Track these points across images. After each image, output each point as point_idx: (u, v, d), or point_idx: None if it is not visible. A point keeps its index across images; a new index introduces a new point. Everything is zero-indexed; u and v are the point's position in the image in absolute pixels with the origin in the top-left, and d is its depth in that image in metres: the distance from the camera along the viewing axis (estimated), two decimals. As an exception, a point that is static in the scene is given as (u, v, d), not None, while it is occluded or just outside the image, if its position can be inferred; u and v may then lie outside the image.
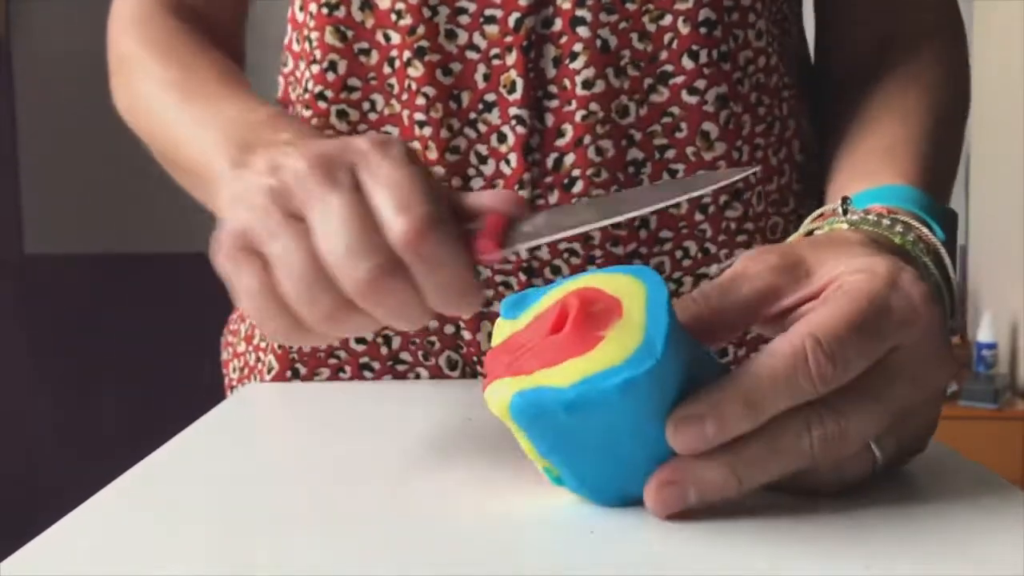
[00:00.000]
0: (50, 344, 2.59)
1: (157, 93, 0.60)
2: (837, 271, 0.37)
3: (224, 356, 0.70)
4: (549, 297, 0.37)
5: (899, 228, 0.43)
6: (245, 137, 0.48)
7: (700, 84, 0.57)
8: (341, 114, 0.59)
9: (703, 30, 0.57)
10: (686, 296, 0.37)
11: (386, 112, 0.58)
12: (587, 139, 0.56)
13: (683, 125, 0.57)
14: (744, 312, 0.37)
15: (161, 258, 2.55)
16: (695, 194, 0.41)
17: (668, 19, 0.56)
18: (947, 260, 0.43)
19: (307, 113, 0.61)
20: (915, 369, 0.36)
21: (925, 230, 0.44)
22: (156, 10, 0.65)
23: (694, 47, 0.57)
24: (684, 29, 0.56)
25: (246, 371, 0.67)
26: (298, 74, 0.63)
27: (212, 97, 0.56)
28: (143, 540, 0.34)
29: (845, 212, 0.45)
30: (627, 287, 0.35)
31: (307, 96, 0.60)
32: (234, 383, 0.68)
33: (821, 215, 0.47)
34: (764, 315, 0.37)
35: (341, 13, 0.58)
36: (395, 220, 0.38)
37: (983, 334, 2.48)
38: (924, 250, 0.43)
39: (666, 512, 0.34)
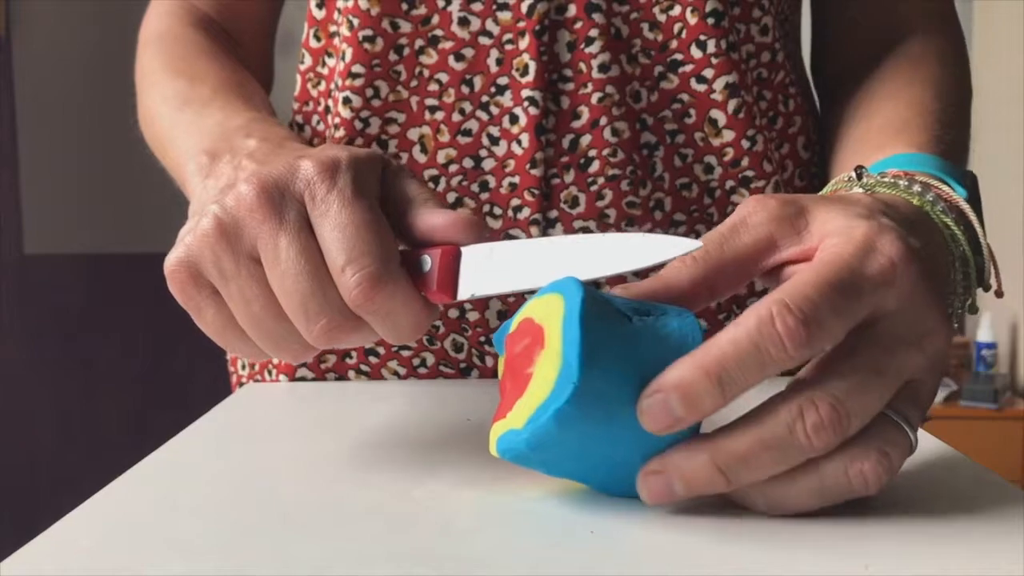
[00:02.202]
0: (50, 344, 2.59)
1: (160, 103, 0.60)
2: (828, 228, 0.36)
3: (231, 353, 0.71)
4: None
5: (917, 188, 0.42)
6: (216, 145, 0.48)
7: (708, 73, 0.58)
8: (346, 101, 0.60)
9: (710, 20, 0.58)
10: (681, 257, 0.36)
11: (391, 99, 0.59)
12: (603, 120, 0.58)
13: (692, 112, 0.59)
14: (744, 264, 0.36)
15: (161, 258, 2.54)
16: (636, 268, 0.36)
17: (677, 9, 0.58)
18: (972, 216, 0.42)
19: (332, 105, 0.62)
20: (909, 334, 0.34)
21: (945, 188, 0.42)
22: (180, 25, 0.66)
23: (702, 37, 0.58)
24: (692, 19, 0.58)
25: (256, 367, 0.67)
26: (321, 69, 0.64)
27: (204, 105, 0.56)
28: (143, 539, 0.34)
29: (860, 178, 0.43)
30: (550, 309, 0.35)
31: (335, 91, 0.61)
32: (243, 379, 0.69)
33: (835, 187, 0.45)
34: (763, 267, 0.36)
35: (349, 3, 0.59)
36: (344, 276, 0.38)
37: (983, 334, 2.49)
38: (945, 209, 0.42)
39: (654, 500, 0.34)
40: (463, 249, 0.39)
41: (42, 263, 2.59)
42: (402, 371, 0.62)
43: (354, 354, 0.62)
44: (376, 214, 0.39)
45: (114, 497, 0.38)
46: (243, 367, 0.69)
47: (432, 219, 0.40)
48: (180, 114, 0.57)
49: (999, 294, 0.44)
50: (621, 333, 0.33)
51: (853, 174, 0.44)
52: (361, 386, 0.60)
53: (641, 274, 0.37)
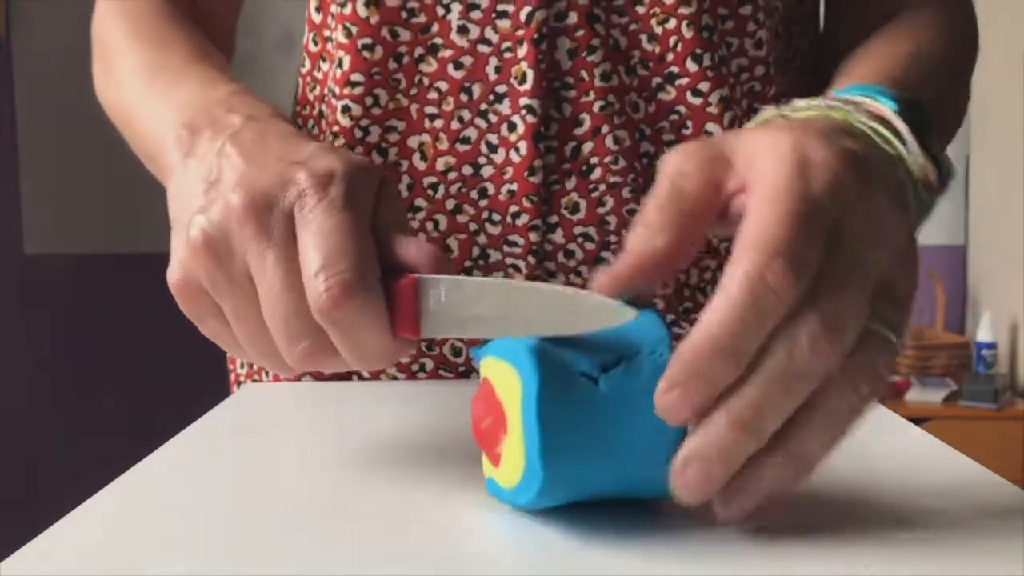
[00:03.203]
0: (50, 344, 2.59)
1: (126, 70, 0.58)
2: (751, 151, 0.35)
3: None
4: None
5: (837, 103, 0.40)
6: (195, 118, 0.46)
7: (704, 87, 0.58)
8: (345, 110, 0.60)
9: (705, 34, 0.58)
10: (644, 224, 0.34)
11: (390, 107, 0.59)
12: (605, 128, 0.58)
13: (688, 124, 0.59)
14: (701, 210, 0.35)
15: (161, 258, 2.54)
16: (584, 330, 0.34)
17: (673, 23, 0.58)
18: (898, 123, 0.40)
19: (327, 111, 0.61)
20: (867, 233, 0.33)
21: (870, 101, 0.40)
22: None
23: (698, 51, 0.58)
24: (688, 33, 0.58)
25: (255, 366, 0.67)
26: (316, 74, 0.63)
27: (178, 73, 0.54)
28: (143, 540, 0.34)
29: (780, 110, 0.42)
30: (509, 385, 0.34)
31: (329, 97, 0.61)
32: (242, 378, 0.69)
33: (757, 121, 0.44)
34: (718, 208, 0.35)
35: (348, 10, 0.59)
36: (316, 280, 0.36)
37: (983, 334, 2.48)
38: (870, 116, 0.40)
39: (699, 497, 0.31)
40: (423, 282, 0.37)
41: (42, 263, 2.59)
42: (401, 376, 0.62)
43: None
44: (362, 226, 0.38)
45: (114, 497, 0.38)
46: (241, 366, 0.69)
47: (405, 247, 0.38)
48: (151, 82, 0.55)
49: (935, 188, 0.42)
50: (585, 411, 0.32)
51: (773, 107, 0.42)
52: (361, 386, 0.60)
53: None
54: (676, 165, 0.35)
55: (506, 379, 0.34)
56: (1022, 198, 2.42)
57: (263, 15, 2.45)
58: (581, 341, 0.33)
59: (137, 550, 0.33)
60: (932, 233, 2.79)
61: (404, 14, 0.58)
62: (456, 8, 0.57)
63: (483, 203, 0.59)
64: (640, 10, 0.58)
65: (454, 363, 0.61)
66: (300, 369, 0.39)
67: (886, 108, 0.40)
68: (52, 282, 2.58)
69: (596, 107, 0.57)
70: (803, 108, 0.41)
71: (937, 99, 0.55)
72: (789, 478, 0.33)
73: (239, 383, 0.69)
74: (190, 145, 0.43)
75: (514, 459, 0.33)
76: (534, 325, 0.34)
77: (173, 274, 0.40)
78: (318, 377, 0.63)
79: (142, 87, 0.55)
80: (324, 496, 0.38)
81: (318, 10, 0.63)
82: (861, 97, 0.41)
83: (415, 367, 0.61)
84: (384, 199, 0.40)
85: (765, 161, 0.34)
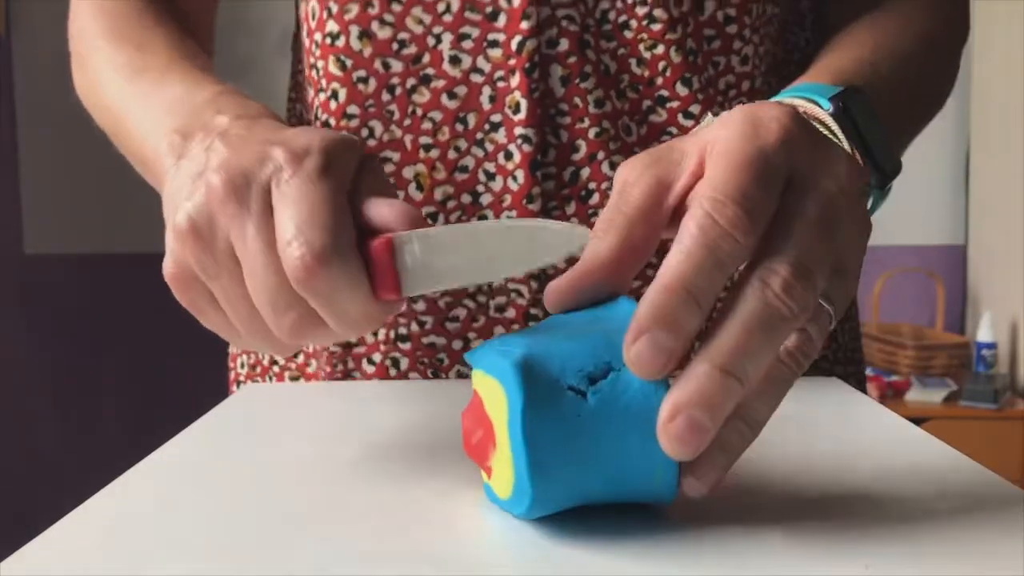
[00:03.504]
0: (50, 344, 2.59)
1: (108, 71, 0.57)
2: (703, 139, 0.35)
3: (233, 350, 0.70)
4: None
5: None
6: (186, 123, 0.46)
7: (695, 109, 0.59)
8: None
9: (691, 58, 0.58)
10: (591, 235, 0.35)
11: (385, 138, 0.59)
12: (600, 155, 0.58)
13: None
14: (649, 213, 0.35)
15: (161, 258, 2.54)
16: (550, 259, 0.36)
17: (661, 48, 0.58)
18: (832, 124, 0.40)
19: None
20: (823, 177, 0.34)
21: (802, 102, 0.41)
22: None
23: (687, 75, 0.58)
24: (676, 58, 0.58)
25: (258, 369, 0.67)
26: (308, 100, 0.63)
27: (161, 75, 0.53)
28: (143, 540, 0.34)
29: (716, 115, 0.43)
30: (496, 401, 0.33)
31: (317, 123, 0.61)
32: (241, 378, 0.68)
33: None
34: (668, 208, 0.35)
35: (341, 43, 0.59)
36: (289, 248, 0.36)
37: (983, 334, 2.48)
38: (809, 119, 0.40)
39: (685, 447, 0.30)
40: (397, 240, 0.37)
41: (42, 263, 2.59)
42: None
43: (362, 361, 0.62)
44: (337, 196, 0.38)
45: (114, 497, 0.38)
46: (242, 366, 0.69)
47: (377, 208, 0.38)
48: (133, 85, 0.54)
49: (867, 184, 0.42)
50: (573, 426, 0.32)
51: (710, 115, 0.43)
52: (361, 386, 0.60)
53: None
54: (622, 176, 0.36)
55: (494, 396, 0.34)
56: (1022, 198, 2.42)
57: (263, 15, 2.45)
58: (570, 346, 0.33)
59: (137, 550, 0.33)
60: (932, 233, 2.79)
61: (395, 45, 0.58)
62: (447, 38, 0.57)
63: None
64: (628, 35, 0.58)
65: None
66: (292, 343, 0.39)
67: (820, 110, 0.41)
68: (52, 282, 2.58)
69: (591, 134, 0.58)
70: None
71: (901, 87, 0.56)
72: (745, 443, 0.33)
73: (239, 382, 0.69)
74: (182, 149, 0.44)
75: (504, 474, 0.33)
76: (505, 263, 0.36)
77: (167, 267, 0.40)
78: (318, 377, 0.63)
79: (125, 88, 0.55)
80: (324, 496, 0.38)
81: (307, 36, 0.62)
82: (800, 100, 0.42)
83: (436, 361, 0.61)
84: (367, 170, 0.40)
85: (718, 130, 0.35)
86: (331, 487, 0.39)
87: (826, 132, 0.40)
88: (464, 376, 0.61)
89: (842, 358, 0.67)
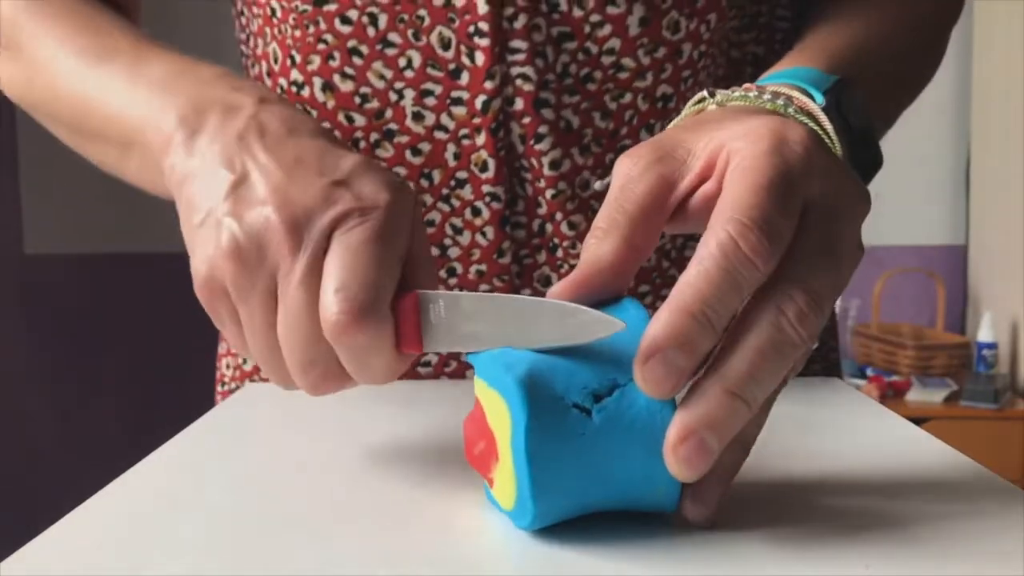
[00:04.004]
0: (50, 344, 2.59)
1: (63, 60, 0.52)
2: (718, 141, 0.35)
3: (220, 349, 0.70)
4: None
5: (767, 96, 0.41)
6: (194, 96, 0.43)
7: None
8: None
9: (659, 104, 0.57)
10: (592, 233, 0.35)
11: None
12: (559, 215, 0.57)
13: None
14: (650, 212, 0.35)
15: (161, 258, 2.54)
16: (578, 342, 0.34)
17: (628, 97, 0.57)
18: (823, 118, 0.40)
19: None
20: (840, 207, 0.34)
21: (798, 94, 0.41)
22: None
23: (651, 121, 0.57)
24: (643, 106, 0.57)
25: (238, 373, 0.67)
26: None
27: (135, 59, 0.49)
28: (143, 540, 0.34)
29: (713, 96, 0.42)
30: (500, 415, 0.33)
31: None
32: (225, 378, 0.68)
33: (689, 109, 0.44)
34: (669, 207, 0.35)
35: (306, 93, 0.58)
36: (329, 300, 0.36)
37: (983, 334, 2.48)
38: (797, 111, 0.40)
39: (692, 468, 0.31)
40: (424, 297, 0.38)
41: (42, 263, 2.59)
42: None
43: None
44: (393, 260, 0.38)
45: (114, 497, 0.38)
46: (227, 366, 0.68)
47: (415, 268, 0.39)
48: (103, 68, 0.50)
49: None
50: (577, 444, 0.32)
51: (705, 93, 0.42)
52: (361, 387, 0.60)
53: None
54: (623, 170, 0.36)
55: (496, 408, 0.33)
56: (1022, 198, 2.42)
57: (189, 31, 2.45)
58: (575, 361, 0.33)
59: (137, 550, 0.33)
60: (932, 233, 2.79)
61: (358, 99, 0.57)
62: (409, 94, 0.56)
63: (452, 281, 0.59)
64: (592, 87, 0.56)
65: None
66: (311, 394, 0.40)
67: (813, 105, 0.41)
68: (52, 282, 2.58)
69: (548, 194, 0.57)
70: (735, 98, 0.41)
71: (891, 72, 0.55)
72: (739, 464, 0.34)
73: (223, 382, 0.69)
74: (196, 123, 0.42)
75: (506, 487, 0.33)
76: (531, 339, 0.34)
77: (199, 271, 0.39)
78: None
79: (90, 73, 0.50)
80: (324, 496, 0.38)
81: (269, 77, 0.60)
82: (791, 90, 0.42)
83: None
84: (416, 227, 0.40)
85: (742, 140, 0.35)
86: (331, 487, 0.39)
87: (815, 127, 0.40)
88: (456, 376, 0.61)
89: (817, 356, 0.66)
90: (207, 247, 0.38)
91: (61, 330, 2.59)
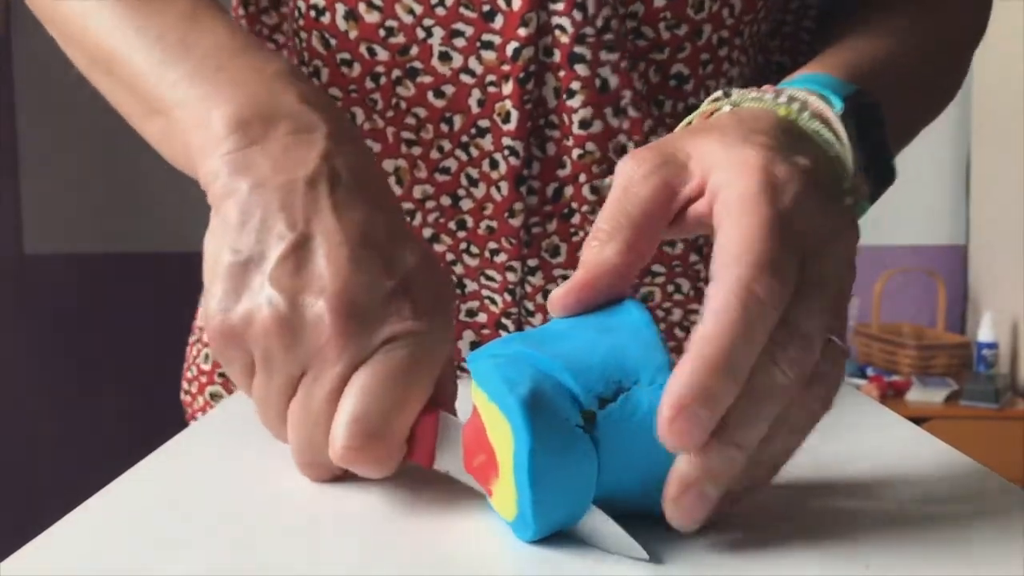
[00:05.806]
0: (50, 344, 2.59)
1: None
2: (709, 161, 0.35)
3: (192, 339, 0.69)
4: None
5: (783, 100, 0.40)
6: (251, 96, 0.41)
7: None
8: None
9: (672, 83, 0.56)
10: (594, 235, 0.34)
11: (367, 127, 0.56)
12: (583, 177, 0.55)
13: None
14: (653, 216, 0.35)
15: (161, 258, 2.55)
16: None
17: (642, 66, 0.55)
18: (837, 125, 0.40)
19: None
20: (830, 247, 0.34)
21: (815, 99, 0.41)
22: None
23: (660, 96, 0.56)
24: (655, 78, 0.55)
25: (205, 378, 0.67)
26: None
27: (190, 18, 0.45)
28: (143, 540, 0.34)
29: (728, 96, 0.42)
30: (499, 431, 0.33)
31: None
32: (203, 373, 0.68)
33: (706, 106, 0.43)
34: (671, 213, 0.35)
35: (326, 19, 0.55)
36: (338, 434, 0.36)
37: (983, 334, 2.48)
38: (811, 116, 0.40)
39: (692, 519, 0.31)
40: (444, 419, 0.38)
41: (42, 263, 2.59)
42: None
43: None
44: (427, 386, 0.37)
45: (114, 497, 0.38)
46: (206, 359, 0.67)
47: (441, 389, 0.39)
48: (153, 18, 0.45)
49: (864, 196, 0.42)
50: (579, 462, 0.32)
51: (721, 92, 0.42)
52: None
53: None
54: (627, 172, 0.35)
55: (497, 424, 0.33)
56: (1022, 198, 2.42)
57: None
58: (578, 365, 0.33)
59: (137, 550, 0.33)
60: (932, 233, 2.79)
61: (382, 32, 0.54)
62: (438, 33, 0.53)
63: (461, 234, 0.57)
64: (643, 43, 0.54)
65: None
66: (308, 478, 0.40)
67: (830, 111, 0.40)
68: (52, 282, 2.58)
69: (575, 154, 0.55)
70: (750, 99, 0.41)
71: (913, 90, 0.54)
72: (763, 478, 0.34)
73: (196, 379, 0.69)
74: (256, 134, 0.39)
75: (507, 501, 0.33)
76: None
77: (228, 320, 0.37)
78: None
79: (135, 15, 0.45)
80: (324, 496, 0.38)
81: (271, 8, 0.58)
82: (809, 95, 0.41)
83: None
84: (450, 346, 0.39)
85: (730, 173, 0.34)
86: (331, 487, 0.39)
87: (830, 136, 0.40)
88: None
89: None
90: (242, 300, 0.37)
91: (61, 330, 2.59)
